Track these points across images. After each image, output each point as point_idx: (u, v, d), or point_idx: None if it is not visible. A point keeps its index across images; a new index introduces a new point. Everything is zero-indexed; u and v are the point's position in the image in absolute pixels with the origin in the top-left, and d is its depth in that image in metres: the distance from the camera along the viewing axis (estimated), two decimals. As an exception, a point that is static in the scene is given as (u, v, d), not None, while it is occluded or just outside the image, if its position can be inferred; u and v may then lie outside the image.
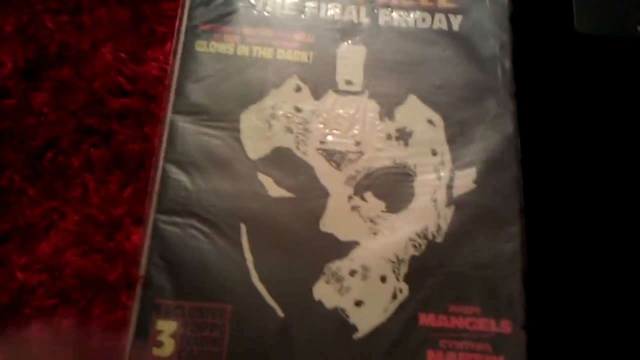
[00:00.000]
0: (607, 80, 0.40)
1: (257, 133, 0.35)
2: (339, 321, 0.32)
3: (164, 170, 0.34)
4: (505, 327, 0.33)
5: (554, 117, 0.38)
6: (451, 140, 0.36)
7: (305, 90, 0.36)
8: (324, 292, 0.33)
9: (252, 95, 0.36)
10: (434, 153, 0.35)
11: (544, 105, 0.39)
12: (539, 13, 0.41)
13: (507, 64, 0.38)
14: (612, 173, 0.38)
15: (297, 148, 0.35)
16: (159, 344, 0.31)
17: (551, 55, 0.40)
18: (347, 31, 0.38)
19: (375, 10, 0.39)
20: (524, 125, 0.37)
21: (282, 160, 0.35)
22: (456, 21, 0.39)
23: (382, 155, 0.35)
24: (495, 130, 0.36)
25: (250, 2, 0.38)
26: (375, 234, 0.34)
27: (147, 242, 0.33)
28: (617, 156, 0.38)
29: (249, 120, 0.36)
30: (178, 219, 0.34)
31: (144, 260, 0.33)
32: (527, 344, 0.32)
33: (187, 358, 0.31)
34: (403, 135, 0.36)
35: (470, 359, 0.32)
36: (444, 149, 0.36)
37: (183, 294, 0.32)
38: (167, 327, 0.31)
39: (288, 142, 0.35)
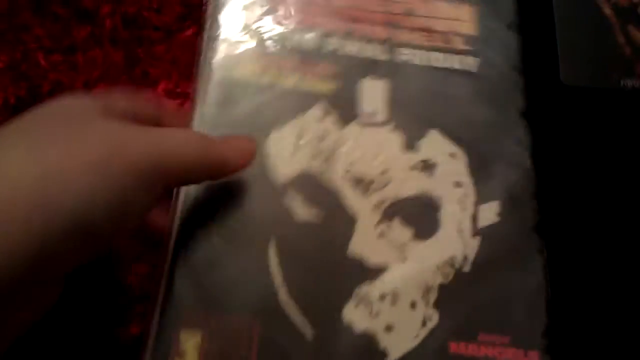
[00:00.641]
0: (591, 131, 0.41)
1: (283, 157, 0.35)
2: (369, 345, 0.32)
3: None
4: (533, 357, 0.32)
5: (541, 166, 0.39)
6: (474, 174, 0.36)
7: (330, 118, 0.37)
8: (355, 315, 0.33)
9: (277, 121, 0.36)
10: (458, 185, 0.36)
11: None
12: (525, 63, 0.42)
13: (521, 103, 0.39)
14: (598, 221, 0.39)
15: (322, 174, 0.35)
16: (181, 356, 0.30)
17: (537, 104, 0.41)
18: (368, 66, 0.38)
19: (394, 49, 0.39)
20: None
21: (308, 185, 0.35)
22: (473, 63, 0.39)
23: (408, 185, 0.36)
24: (515, 165, 0.37)
25: (271, 38, 0.39)
26: (404, 260, 0.34)
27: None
28: (602, 205, 0.39)
29: (275, 145, 0.35)
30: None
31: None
32: None
33: None
34: (427, 167, 0.36)
35: None
36: (467, 181, 0.36)
37: (209, 304, 0.31)
38: (190, 339, 0.30)
39: (314, 168, 0.35)
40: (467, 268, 0.34)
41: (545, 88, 0.42)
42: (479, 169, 0.36)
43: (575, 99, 0.41)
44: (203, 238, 0.33)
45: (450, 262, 0.34)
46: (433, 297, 0.33)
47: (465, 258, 0.34)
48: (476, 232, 0.35)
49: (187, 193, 0.33)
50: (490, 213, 0.35)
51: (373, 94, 0.38)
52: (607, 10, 0.43)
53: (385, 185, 0.35)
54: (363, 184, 0.35)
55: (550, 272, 0.35)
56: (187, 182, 0.29)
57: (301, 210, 0.34)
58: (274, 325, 0.31)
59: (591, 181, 0.40)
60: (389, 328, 0.33)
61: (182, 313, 0.31)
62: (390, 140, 0.37)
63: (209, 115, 0.36)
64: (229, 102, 0.36)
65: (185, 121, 0.34)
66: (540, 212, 0.36)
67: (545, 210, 0.37)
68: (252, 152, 0.31)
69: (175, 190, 0.33)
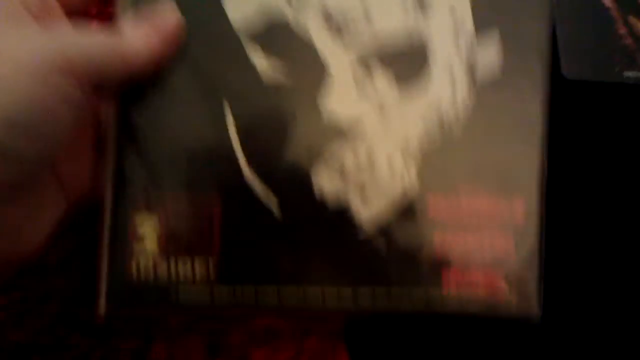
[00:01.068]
0: (594, 125, 0.41)
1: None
2: (342, 210, 0.30)
3: None
4: (518, 208, 0.31)
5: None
6: (475, 8, 0.31)
7: None
8: (325, 178, 0.30)
9: None
10: (452, 12, 0.31)
11: None
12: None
13: None
14: (601, 214, 0.39)
15: (295, 19, 0.30)
16: (139, 240, 0.28)
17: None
18: None
19: None
20: None
21: (277, 35, 0.30)
22: None
23: (395, 25, 0.31)
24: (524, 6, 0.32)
25: None
26: (383, 117, 0.31)
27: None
28: (604, 201, 0.39)
29: None
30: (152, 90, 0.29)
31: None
32: (543, 226, 0.31)
33: (172, 252, 0.29)
34: (420, 3, 0.31)
35: (478, 241, 0.30)
36: (466, 16, 0.31)
37: (163, 183, 0.29)
38: (146, 221, 0.29)
39: (283, 11, 0.30)
40: (458, 131, 0.31)
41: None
42: (484, 6, 0.31)
43: (578, 93, 0.41)
44: (149, 105, 0.29)
45: (439, 124, 0.31)
46: (414, 162, 0.30)
47: (456, 118, 0.31)
48: (473, 83, 0.31)
49: None
50: (491, 60, 0.31)
51: None
52: (608, 1, 0.43)
53: (368, 27, 0.31)
54: (341, 28, 0.31)
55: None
56: (101, 81, 0.26)
57: (268, 72, 0.30)
58: (236, 202, 0.29)
59: (596, 174, 0.40)
60: (362, 188, 0.30)
61: (135, 195, 0.28)
62: None
63: None
64: None
65: None
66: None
67: (547, 206, 0.35)
68: (167, 35, 0.28)
69: None
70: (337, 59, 0.31)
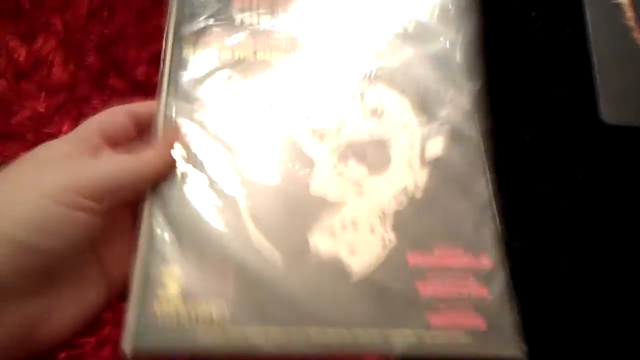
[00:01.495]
0: (634, 170, 0.41)
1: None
2: (336, 266, 0.36)
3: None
4: (484, 260, 0.37)
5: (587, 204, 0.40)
6: (418, 117, 0.42)
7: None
8: (320, 241, 0.37)
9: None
10: (405, 127, 0.41)
11: (572, 196, 0.41)
12: (564, 102, 0.43)
13: (458, 57, 0.44)
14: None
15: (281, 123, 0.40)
16: (164, 287, 0.33)
17: (577, 144, 0.42)
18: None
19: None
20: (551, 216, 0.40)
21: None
22: (410, 26, 0.45)
23: (360, 130, 0.41)
24: (456, 109, 0.42)
25: None
26: (361, 194, 0.39)
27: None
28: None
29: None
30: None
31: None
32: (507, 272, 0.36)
33: (191, 296, 0.33)
34: (376, 114, 0.41)
35: (456, 289, 0.36)
36: (413, 124, 0.41)
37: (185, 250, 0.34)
38: (170, 273, 0.33)
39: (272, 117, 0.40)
40: (419, 194, 0.39)
41: (585, 127, 0.42)
42: (424, 113, 0.42)
43: (617, 138, 0.42)
44: (176, 186, 0.36)
45: (404, 191, 0.39)
46: (390, 221, 0.38)
47: (416, 186, 0.39)
48: (424, 163, 0.40)
49: None
50: (435, 147, 0.41)
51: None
52: None
53: (340, 132, 0.41)
54: (320, 132, 0.40)
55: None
56: (125, 195, 0.33)
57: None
58: (246, 256, 0.35)
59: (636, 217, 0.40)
60: (352, 252, 0.37)
61: (163, 251, 0.34)
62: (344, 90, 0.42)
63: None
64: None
65: None
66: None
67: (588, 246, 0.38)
68: (161, 159, 0.35)
69: None
70: (320, 155, 0.40)
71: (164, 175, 0.35)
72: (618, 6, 0.44)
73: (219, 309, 0.33)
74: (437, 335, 0.34)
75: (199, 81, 0.40)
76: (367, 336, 0.34)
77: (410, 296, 0.35)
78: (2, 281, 0.28)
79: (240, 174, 0.38)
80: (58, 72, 0.40)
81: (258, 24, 0.43)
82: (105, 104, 0.40)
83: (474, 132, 0.42)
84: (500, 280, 0.36)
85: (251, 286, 0.34)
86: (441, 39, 0.45)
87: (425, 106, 0.42)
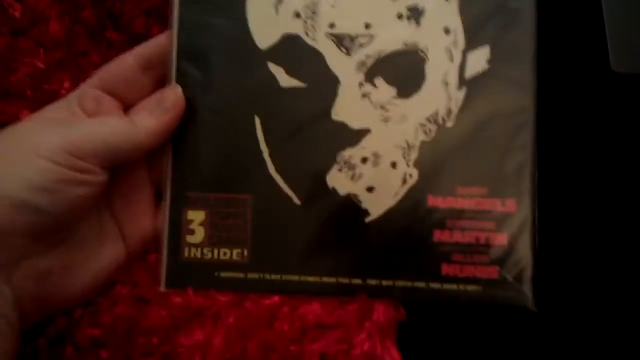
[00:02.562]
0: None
1: (265, 19, 0.35)
2: (352, 206, 0.34)
3: (179, 67, 0.35)
4: (510, 206, 0.34)
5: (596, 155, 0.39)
6: (465, 18, 0.35)
7: None
8: (337, 180, 0.34)
9: None
10: (447, 31, 0.35)
11: (578, 147, 0.40)
12: (573, 51, 0.41)
13: None
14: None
15: (307, 34, 0.35)
16: (191, 232, 0.35)
17: (587, 94, 0.40)
18: None
19: None
20: (560, 166, 0.38)
21: (292, 49, 0.35)
22: None
23: (393, 37, 0.35)
24: (513, 4, 0.35)
25: None
26: (386, 120, 0.35)
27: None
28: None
29: (256, 6, 0.35)
30: (195, 115, 0.35)
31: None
32: (534, 222, 0.34)
33: (216, 243, 0.35)
34: (415, 14, 0.35)
35: (474, 236, 0.34)
36: (457, 26, 0.35)
37: (208, 186, 0.35)
38: (196, 217, 0.35)
39: (297, 28, 0.35)
40: (450, 123, 0.34)
41: (595, 76, 0.41)
42: (472, 12, 0.35)
43: (627, 87, 0.40)
44: (195, 129, 0.35)
45: (434, 118, 0.35)
46: (414, 155, 0.34)
47: (449, 112, 0.35)
48: (463, 82, 0.35)
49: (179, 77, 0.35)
50: (479, 60, 0.35)
51: None
52: None
53: (370, 40, 0.35)
54: (347, 41, 0.35)
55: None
56: (116, 159, 0.32)
57: (284, 77, 0.35)
58: (265, 198, 0.34)
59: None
60: (370, 189, 0.34)
61: (187, 196, 0.35)
62: None
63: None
64: None
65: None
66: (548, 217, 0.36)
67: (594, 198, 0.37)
68: (173, 112, 0.34)
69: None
70: (346, 72, 0.35)
71: (159, 141, 0.34)
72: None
73: (240, 254, 0.35)
74: (449, 286, 0.34)
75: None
76: (380, 287, 0.34)
77: (426, 244, 0.34)
78: (8, 241, 0.29)
79: (259, 92, 0.35)
80: (55, 28, 0.40)
81: None
82: (104, 57, 0.39)
83: (526, 50, 0.35)
84: (523, 228, 0.34)
85: (269, 233, 0.35)
86: None
87: (476, 1, 0.35)
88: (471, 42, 0.35)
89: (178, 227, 0.35)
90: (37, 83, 0.38)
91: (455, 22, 0.35)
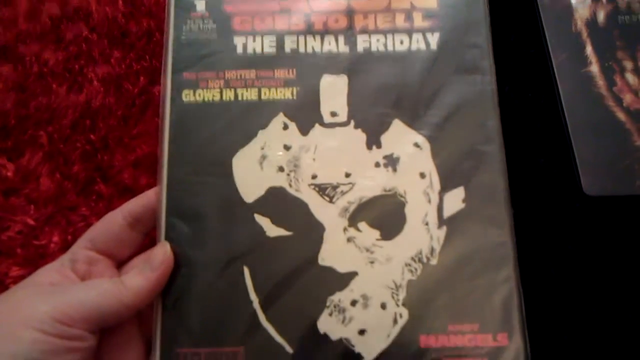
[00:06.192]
0: (619, 240, 0.41)
1: (250, 175, 0.36)
2: (345, 351, 0.34)
3: (168, 223, 0.36)
4: (502, 340, 0.33)
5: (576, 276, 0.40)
6: (438, 162, 0.36)
7: (293, 127, 0.37)
8: (329, 325, 0.34)
9: (240, 140, 0.37)
10: (422, 176, 0.36)
11: (558, 267, 0.40)
12: (547, 179, 0.42)
13: (488, 77, 0.38)
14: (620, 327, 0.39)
15: (290, 186, 0.36)
16: None
17: (561, 217, 0.41)
18: (328, 62, 0.38)
19: (353, 38, 0.39)
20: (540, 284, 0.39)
21: (277, 200, 0.36)
22: (433, 39, 0.39)
23: (372, 184, 0.36)
24: (482, 148, 0.37)
25: (231, 45, 0.39)
26: (372, 262, 0.35)
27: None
28: (626, 310, 0.39)
29: (242, 164, 0.37)
30: (184, 270, 0.35)
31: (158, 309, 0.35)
32: (527, 353, 0.34)
33: None
34: (391, 162, 0.37)
35: None
36: (431, 170, 0.36)
37: (198, 342, 0.34)
38: None
39: (281, 181, 0.36)
40: (434, 261, 0.35)
41: (568, 200, 0.42)
42: (444, 155, 0.37)
43: (599, 209, 0.41)
44: (185, 274, 0.35)
45: (418, 257, 0.35)
46: (402, 294, 0.34)
47: (432, 250, 0.35)
48: (442, 222, 0.36)
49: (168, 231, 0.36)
50: (455, 200, 0.36)
51: (333, 92, 0.38)
52: (621, 115, 0.43)
53: (351, 187, 0.36)
54: (329, 190, 0.36)
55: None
56: (105, 321, 0.32)
57: (271, 227, 0.36)
58: (256, 349, 0.34)
59: (624, 287, 0.40)
60: (361, 332, 0.34)
61: (177, 354, 0.34)
62: (353, 140, 0.37)
63: (181, 144, 0.37)
64: (195, 127, 0.37)
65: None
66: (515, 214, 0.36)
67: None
68: (161, 271, 0.34)
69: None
70: (330, 218, 0.36)
71: (149, 299, 0.34)
72: (588, 75, 0.45)
73: None
74: None
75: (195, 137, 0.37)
76: None
77: None
78: None
79: (248, 252, 0.35)
80: (46, 184, 0.41)
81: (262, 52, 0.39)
82: (93, 210, 0.40)
83: (498, 186, 0.36)
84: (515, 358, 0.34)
85: None
86: (471, 53, 0.39)
87: (447, 146, 0.37)
88: (446, 184, 0.36)
89: None
90: (27, 239, 0.39)
91: (430, 167, 0.37)
